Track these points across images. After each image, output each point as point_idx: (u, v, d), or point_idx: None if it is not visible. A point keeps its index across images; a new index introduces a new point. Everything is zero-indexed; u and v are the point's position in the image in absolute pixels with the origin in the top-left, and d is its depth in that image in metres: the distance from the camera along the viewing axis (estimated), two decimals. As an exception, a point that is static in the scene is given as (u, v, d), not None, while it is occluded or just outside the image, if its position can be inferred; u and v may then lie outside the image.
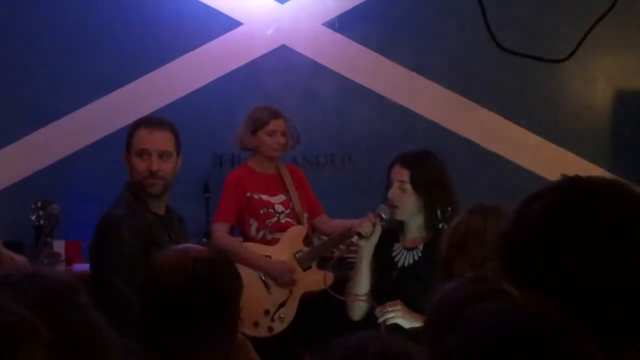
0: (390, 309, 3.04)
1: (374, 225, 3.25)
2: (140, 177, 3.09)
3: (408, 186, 3.22)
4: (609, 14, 2.73)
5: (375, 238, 3.27)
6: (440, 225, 3.16)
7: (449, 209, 3.18)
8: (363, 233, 3.25)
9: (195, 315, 1.73)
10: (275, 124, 4.29)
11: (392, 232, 3.32)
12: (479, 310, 1.11)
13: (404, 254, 3.27)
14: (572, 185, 1.30)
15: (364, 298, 3.24)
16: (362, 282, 3.26)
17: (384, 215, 3.26)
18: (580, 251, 1.20)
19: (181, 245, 1.86)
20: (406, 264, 3.24)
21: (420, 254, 3.21)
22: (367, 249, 3.27)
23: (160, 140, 3.13)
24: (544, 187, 1.31)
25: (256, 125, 4.30)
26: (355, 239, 3.34)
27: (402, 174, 3.24)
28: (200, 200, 4.84)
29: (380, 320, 3.05)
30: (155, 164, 3.08)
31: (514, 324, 1.06)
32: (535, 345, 1.03)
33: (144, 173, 3.09)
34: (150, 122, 3.25)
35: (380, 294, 3.21)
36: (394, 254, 3.28)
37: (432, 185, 3.22)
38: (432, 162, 3.29)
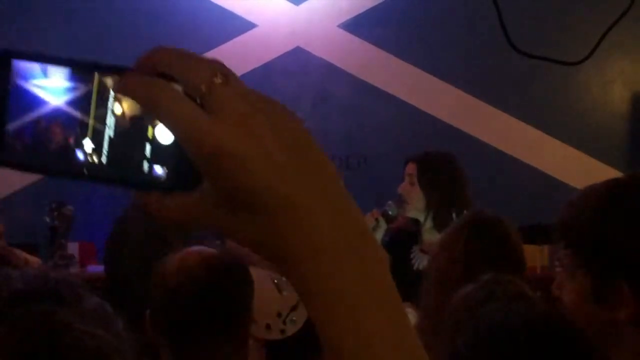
0: None
1: (377, 220, 3.25)
2: None
3: (416, 180, 3.24)
4: (627, 17, 2.70)
5: (378, 234, 3.26)
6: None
7: (465, 211, 3.16)
8: None
9: (205, 318, 1.71)
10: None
11: (412, 234, 3.32)
12: (488, 310, 1.10)
13: (419, 257, 3.25)
14: None
15: None
16: None
17: (390, 212, 3.27)
18: None
19: (191, 248, 1.84)
20: (421, 267, 3.23)
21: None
22: None
23: None
24: (618, 181, 1.28)
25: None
26: None
27: (412, 168, 3.29)
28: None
29: None
30: None
31: (520, 324, 1.06)
32: (540, 346, 1.02)
33: None
34: None
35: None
36: (411, 256, 3.28)
37: (438, 182, 3.22)
38: (444, 162, 3.30)
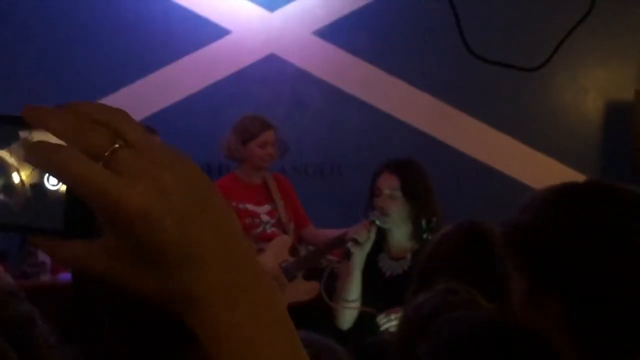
0: (394, 316, 3.02)
1: (369, 232, 3.22)
2: None
3: (399, 194, 3.21)
4: (600, 26, 2.71)
5: (368, 245, 3.23)
6: (424, 236, 3.14)
7: (434, 218, 3.16)
8: (359, 240, 3.22)
9: (169, 324, 1.68)
10: (266, 135, 4.25)
11: (376, 241, 3.30)
12: (448, 318, 1.10)
13: (391, 264, 3.24)
14: (597, 188, 1.28)
15: (354, 305, 3.22)
16: (354, 289, 3.23)
17: (378, 223, 3.24)
18: (599, 255, 1.19)
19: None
20: (394, 274, 3.22)
21: (409, 264, 3.19)
22: (360, 256, 3.23)
23: None
24: (565, 186, 1.29)
25: (246, 135, 4.25)
26: (350, 244, 3.30)
27: (392, 181, 3.23)
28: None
29: (384, 327, 3.03)
30: None
31: (482, 331, 1.06)
32: (502, 353, 1.02)
33: None
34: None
35: (368, 304, 3.19)
36: (379, 264, 3.26)
37: (421, 192, 3.21)
38: (419, 170, 3.30)
